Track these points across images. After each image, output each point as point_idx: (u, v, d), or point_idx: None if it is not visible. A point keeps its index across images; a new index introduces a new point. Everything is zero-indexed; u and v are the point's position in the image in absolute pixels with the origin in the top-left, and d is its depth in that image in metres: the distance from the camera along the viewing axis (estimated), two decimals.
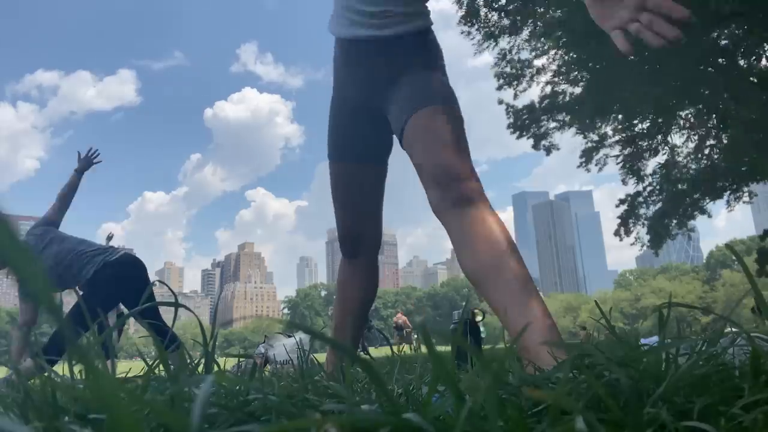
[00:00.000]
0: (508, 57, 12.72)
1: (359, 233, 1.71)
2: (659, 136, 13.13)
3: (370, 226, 1.73)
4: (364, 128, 1.64)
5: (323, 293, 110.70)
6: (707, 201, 13.49)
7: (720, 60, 10.12)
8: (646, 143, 13.32)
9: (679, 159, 13.57)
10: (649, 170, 13.77)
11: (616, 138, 13.41)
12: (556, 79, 12.69)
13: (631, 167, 13.59)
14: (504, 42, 12.20)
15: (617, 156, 13.66)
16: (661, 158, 13.67)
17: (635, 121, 12.88)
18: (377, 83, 1.52)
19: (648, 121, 12.82)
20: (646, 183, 13.80)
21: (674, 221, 13.71)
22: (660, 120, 12.53)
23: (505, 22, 11.60)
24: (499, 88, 13.25)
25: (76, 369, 0.70)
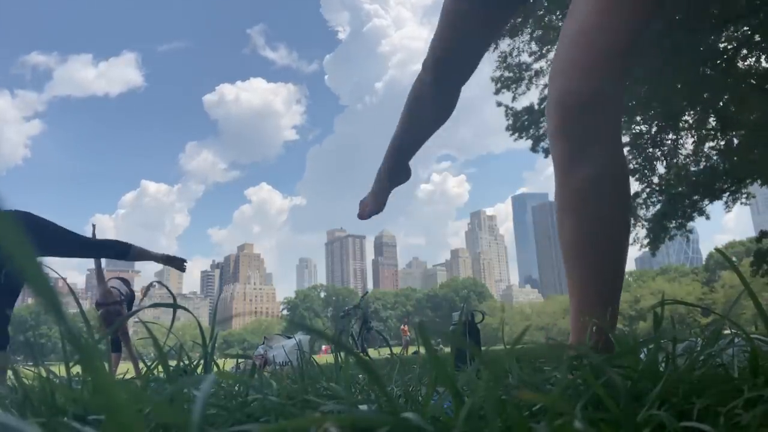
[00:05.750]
0: (509, 60, 12.74)
1: (450, 62, 1.47)
2: (664, 138, 13.15)
3: (466, 58, 1.49)
4: None
5: (322, 294, 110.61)
6: (706, 202, 13.52)
7: (719, 62, 10.14)
8: (648, 146, 13.34)
9: (679, 160, 13.59)
10: (649, 171, 13.79)
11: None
12: (549, 78, 12.68)
13: (633, 170, 13.61)
14: (504, 44, 12.22)
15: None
16: (663, 160, 13.69)
17: (638, 123, 12.90)
18: None
19: (650, 123, 12.84)
20: (645, 184, 13.82)
21: (673, 223, 13.73)
22: (662, 123, 12.55)
23: None
24: (497, 92, 13.28)
25: (74, 370, 0.70)
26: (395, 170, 1.69)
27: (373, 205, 1.72)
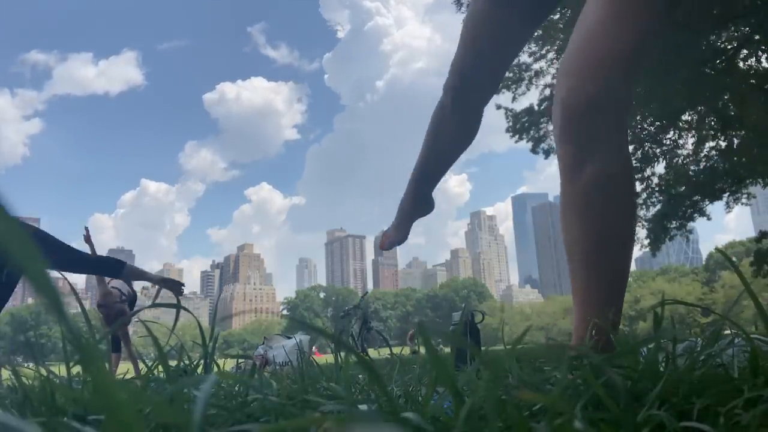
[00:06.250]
0: None
1: (474, 80, 1.48)
2: (664, 137, 13.15)
3: (488, 76, 1.52)
4: None
5: (322, 295, 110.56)
6: (706, 203, 13.52)
7: (719, 62, 10.14)
8: (649, 145, 13.34)
9: (679, 160, 13.59)
10: (649, 172, 13.79)
11: None
12: (555, 82, 12.67)
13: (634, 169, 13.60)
14: None
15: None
16: (663, 160, 13.69)
17: (637, 122, 12.90)
18: None
19: (651, 123, 12.84)
20: (645, 185, 13.82)
21: (674, 223, 13.73)
22: (662, 122, 12.55)
23: None
24: (497, 92, 13.25)
25: (74, 370, 0.70)
26: (418, 201, 1.70)
27: (395, 237, 1.74)
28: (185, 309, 0.79)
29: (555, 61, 12.38)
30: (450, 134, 1.57)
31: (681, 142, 13.41)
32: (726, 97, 10.73)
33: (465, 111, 1.53)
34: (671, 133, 13.21)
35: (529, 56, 12.68)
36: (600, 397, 0.42)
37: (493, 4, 1.44)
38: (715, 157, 13.12)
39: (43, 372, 0.66)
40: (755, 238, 15.76)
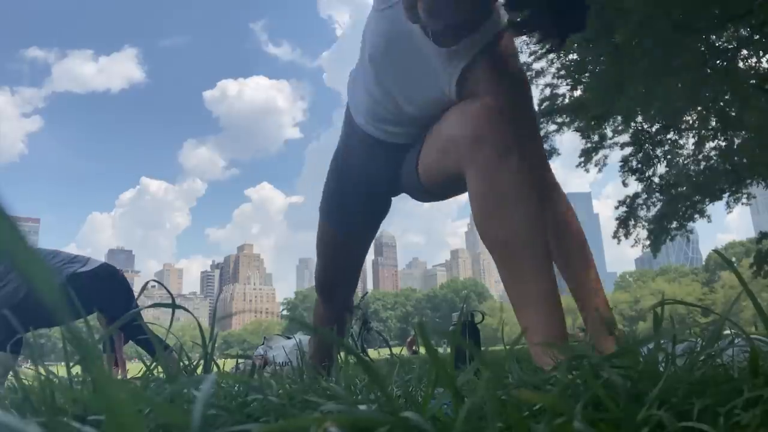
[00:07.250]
0: None
1: (336, 287, 1.89)
2: (664, 138, 13.15)
3: (348, 282, 1.92)
4: (366, 205, 1.74)
5: None
6: (706, 203, 13.52)
7: (719, 62, 10.14)
8: (649, 145, 13.34)
9: (679, 160, 13.59)
10: (649, 172, 13.78)
11: (617, 139, 13.42)
12: (555, 82, 12.69)
13: (635, 169, 13.60)
14: None
15: (624, 158, 13.64)
16: (663, 161, 13.69)
17: (638, 123, 12.89)
18: (394, 167, 1.58)
19: (651, 123, 12.83)
20: (645, 185, 13.81)
21: (674, 223, 13.73)
22: (663, 123, 12.55)
23: None
24: None
25: (74, 370, 0.70)
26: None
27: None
28: (184, 309, 0.79)
29: (555, 60, 12.37)
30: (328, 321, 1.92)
31: (681, 142, 13.41)
32: (726, 97, 10.73)
33: (336, 308, 1.91)
34: (671, 133, 13.21)
35: (530, 56, 12.66)
36: (600, 397, 0.42)
37: (333, 225, 1.78)
38: (716, 158, 13.12)
39: (43, 372, 0.66)
40: (755, 239, 15.78)
